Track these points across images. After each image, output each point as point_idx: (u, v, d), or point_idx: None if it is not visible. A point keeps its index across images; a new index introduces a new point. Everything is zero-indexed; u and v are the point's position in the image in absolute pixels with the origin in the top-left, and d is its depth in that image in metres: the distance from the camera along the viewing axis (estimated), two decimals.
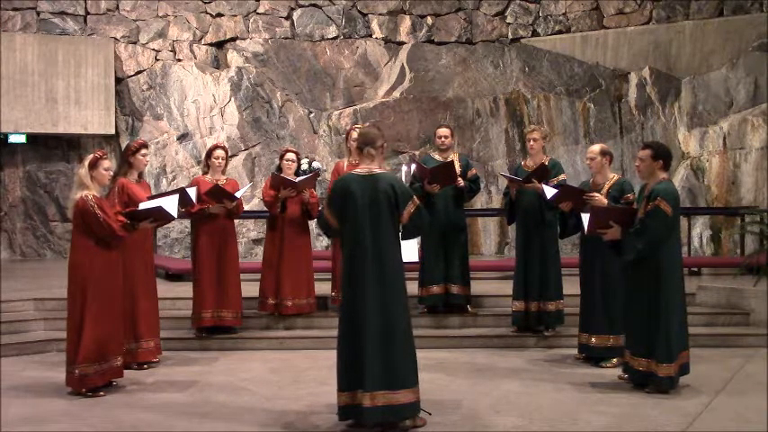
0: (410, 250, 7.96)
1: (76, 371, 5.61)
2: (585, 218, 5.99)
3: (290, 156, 7.64)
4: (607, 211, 5.96)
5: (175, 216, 6.09)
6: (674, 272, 5.72)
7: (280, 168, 7.67)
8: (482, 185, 12.75)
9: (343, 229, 4.89)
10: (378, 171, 4.88)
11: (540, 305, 7.16)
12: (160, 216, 5.97)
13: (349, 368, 4.75)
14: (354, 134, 7.58)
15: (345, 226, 4.86)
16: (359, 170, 4.94)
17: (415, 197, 4.93)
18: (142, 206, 6.01)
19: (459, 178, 7.35)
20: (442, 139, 7.58)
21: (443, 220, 7.37)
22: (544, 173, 6.96)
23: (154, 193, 7.19)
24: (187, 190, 6.72)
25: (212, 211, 7.16)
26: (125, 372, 6.00)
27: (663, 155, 5.78)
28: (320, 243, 12.21)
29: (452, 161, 7.34)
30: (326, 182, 8.19)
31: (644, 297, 5.67)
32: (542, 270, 7.11)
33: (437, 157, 7.61)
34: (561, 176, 7.18)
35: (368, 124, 9.69)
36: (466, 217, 8.04)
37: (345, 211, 4.83)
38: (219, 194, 7.10)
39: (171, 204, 6.01)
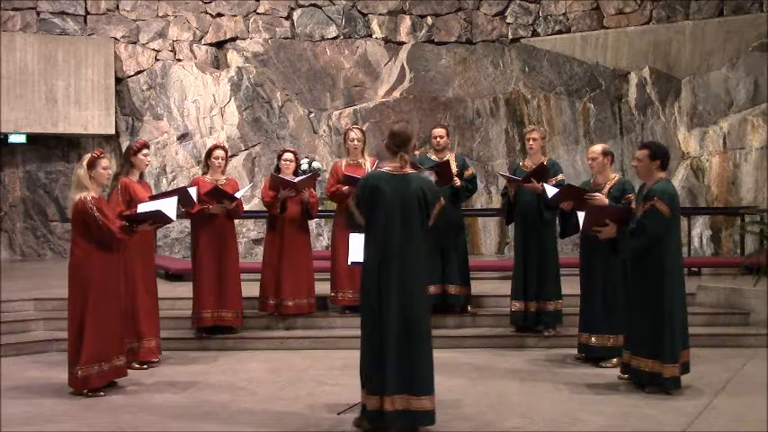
0: None
1: (79, 372, 5.61)
2: (581, 216, 6.00)
3: (288, 156, 7.63)
4: (602, 210, 5.97)
5: (174, 218, 6.08)
6: (675, 272, 5.72)
7: (278, 168, 7.67)
8: (482, 185, 12.81)
9: (369, 227, 4.74)
10: (409, 171, 4.74)
11: (539, 305, 7.16)
12: (159, 219, 5.97)
13: (372, 370, 4.63)
14: (352, 134, 7.60)
15: (372, 224, 4.70)
16: (389, 168, 4.76)
17: (442, 198, 4.80)
18: (141, 208, 6.00)
19: (456, 178, 7.34)
20: (438, 139, 7.58)
21: None
22: (543, 173, 6.96)
23: (154, 193, 7.19)
24: (188, 189, 6.73)
25: (212, 211, 7.16)
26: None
27: (660, 155, 5.77)
28: (320, 243, 12.22)
29: (448, 161, 7.33)
30: (326, 182, 8.16)
31: (646, 297, 5.66)
32: (541, 270, 7.12)
33: (433, 157, 7.60)
34: (560, 176, 7.19)
35: (366, 124, 9.67)
36: (465, 217, 8.03)
37: (373, 208, 4.68)
38: (219, 195, 7.09)
39: (170, 207, 6.00)
